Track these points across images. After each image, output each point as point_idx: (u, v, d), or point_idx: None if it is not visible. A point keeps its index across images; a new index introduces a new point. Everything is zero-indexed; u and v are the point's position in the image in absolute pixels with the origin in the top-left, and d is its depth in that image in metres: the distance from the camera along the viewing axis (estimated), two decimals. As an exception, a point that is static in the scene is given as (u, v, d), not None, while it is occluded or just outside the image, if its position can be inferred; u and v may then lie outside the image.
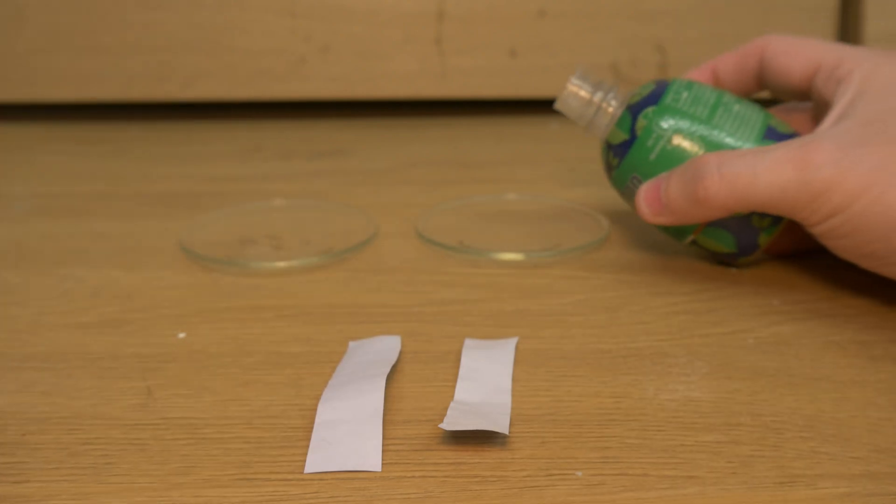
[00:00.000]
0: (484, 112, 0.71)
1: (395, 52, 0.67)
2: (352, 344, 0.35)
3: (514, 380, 0.32)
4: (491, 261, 0.43)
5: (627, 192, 0.41)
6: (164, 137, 0.66)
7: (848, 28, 0.66)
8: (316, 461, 0.28)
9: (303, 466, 0.28)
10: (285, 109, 0.72)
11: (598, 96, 0.41)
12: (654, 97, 0.39)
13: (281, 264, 0.42)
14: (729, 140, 0.38)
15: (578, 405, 0.31)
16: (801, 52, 0.39)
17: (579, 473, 0.27)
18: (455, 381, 0.32)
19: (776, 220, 0.38)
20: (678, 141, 0.38)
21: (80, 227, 0.48)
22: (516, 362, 0.34)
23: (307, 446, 0.29)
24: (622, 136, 0.40)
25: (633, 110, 0.39)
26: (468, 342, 0.35)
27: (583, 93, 0.41)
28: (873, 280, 0.38)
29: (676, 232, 0.40)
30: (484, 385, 0.32)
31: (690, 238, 0.40)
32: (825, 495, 0.26)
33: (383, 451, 0.28)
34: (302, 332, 0.36)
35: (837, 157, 0.33)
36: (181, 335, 0.36)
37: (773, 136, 0.38)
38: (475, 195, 0.52)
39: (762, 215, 0.38)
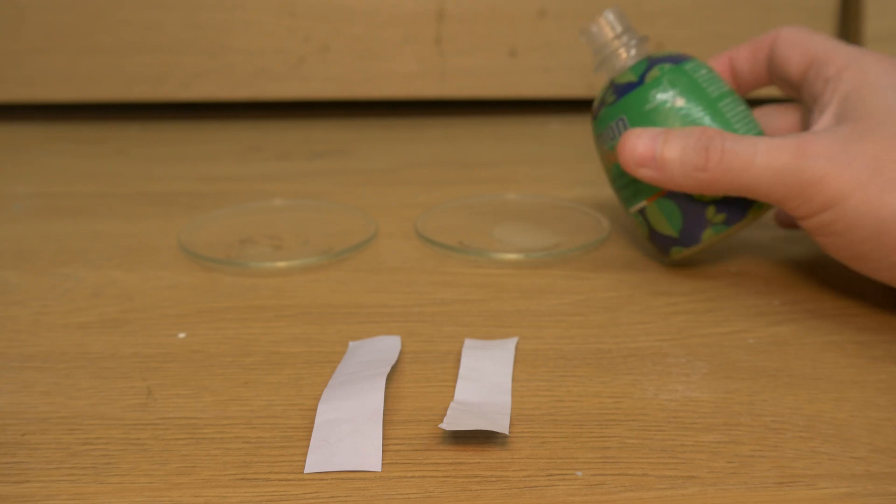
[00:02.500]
0: (484, 112, 0.71)
1: (395, 52, 0.67)
2: (352, 344, 0.35)
3: (514, 380, 0.32)
4: (491, 261, 0.43)
5: (607, 134, 0.40)
6: (164, 137, 0.66)
7: (848, 28, 0.66)
8: (316, 461, 0.28)
9: (303, 466, 0.28)
10: (285, 109, 0.72)
11: (623, 39, 0.41)
12: (676, 59, 0.40)
13: (281, 264, 0.42)
14: (726, 125, 0.38)
15: (578, 405, 0.31)
16: (803, 45, 0.39)
17: (579, 473, 0.27)
18: (455, 381, 0.32)
19: (728, 221, 0.38)
20: (681, 104, 0.38)
21: (80, 227, 0.48)
22: (516, 362, 0.34)
23: (307, 446, 0.29)
24: (631, 77, 0.40)
25: (652, 60, 0.40)
26: (468, 342, 0.35)
27: (610, 30, 0.41)
28: (873, 280, 0.38)
29: (632, 193, 0.40)
30: (484, 385, 0.32)
31: (642, 204, 0.39)
32: (825, 495, 0.26)
33: (383, 451, 0.28)
34: (302, 332, 0.36)
35: (836, 150, 0.34)
36: (181, 335, 0.36)
37: None
38: (475, 195, 0.52)
39: (718, 210, 0.38)
